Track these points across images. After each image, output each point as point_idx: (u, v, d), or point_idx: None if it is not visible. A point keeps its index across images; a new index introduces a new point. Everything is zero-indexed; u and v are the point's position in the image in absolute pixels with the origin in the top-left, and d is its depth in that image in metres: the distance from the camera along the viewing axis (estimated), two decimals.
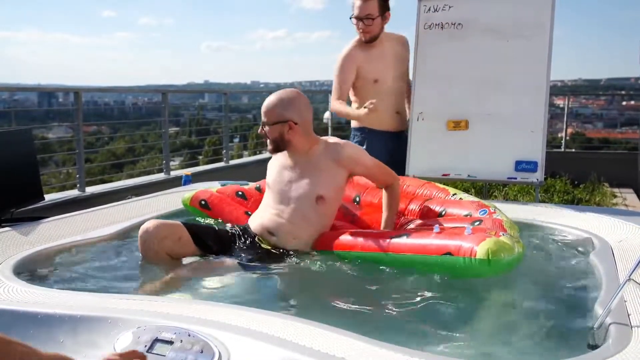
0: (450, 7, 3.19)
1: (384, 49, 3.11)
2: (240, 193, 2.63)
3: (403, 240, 1.90)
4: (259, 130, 2.22)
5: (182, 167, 8.57)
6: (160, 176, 5.67)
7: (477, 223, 2.01)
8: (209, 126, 12.75)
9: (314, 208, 2.11)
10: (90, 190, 4.77)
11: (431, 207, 2.29)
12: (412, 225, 2.18)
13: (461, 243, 1.75)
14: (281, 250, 2.08)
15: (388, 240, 1.93)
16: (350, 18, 3.03)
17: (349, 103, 3.19)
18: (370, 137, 3.13)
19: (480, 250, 1.69)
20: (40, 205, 3.48)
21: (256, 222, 2.19)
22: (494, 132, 3.09)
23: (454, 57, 3.18)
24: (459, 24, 3.16)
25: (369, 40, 3.03)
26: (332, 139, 2.23)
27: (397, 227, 2.21)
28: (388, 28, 3.13)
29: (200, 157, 11.11)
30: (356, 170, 2.20)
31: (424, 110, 3.22)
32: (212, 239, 2.11)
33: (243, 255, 2.06)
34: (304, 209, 2.11)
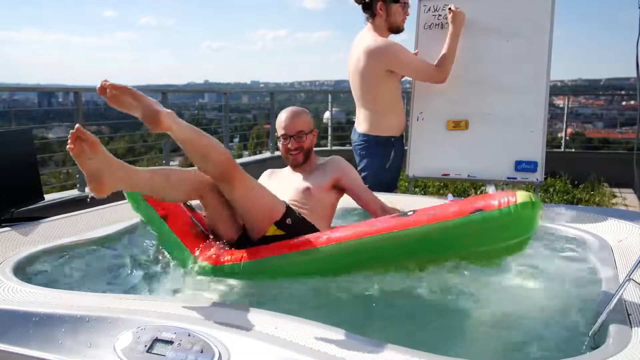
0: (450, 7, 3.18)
1: None
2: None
3: (413, 216, 1.66)
4: (289, 145, 2.18)
5: (182, 167, 8.56)
6: None
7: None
8: (209, 126, 12.73)
9: (302, 195, 2.14)
10: None
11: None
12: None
13: (491, 200, 1.57)
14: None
15: (397, 220, 1.72)
16: None
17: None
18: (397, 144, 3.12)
19: (520, 195, 1.52)
20: (40, 205, 3.49)
21: None
22: (493, 132, 3.09)
23: None
24: None
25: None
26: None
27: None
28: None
29: None
30: (342, 181, 2.18)
31: (424, 110, 3.22)
32: None
33: None
34: (295, 195, 2.14)
